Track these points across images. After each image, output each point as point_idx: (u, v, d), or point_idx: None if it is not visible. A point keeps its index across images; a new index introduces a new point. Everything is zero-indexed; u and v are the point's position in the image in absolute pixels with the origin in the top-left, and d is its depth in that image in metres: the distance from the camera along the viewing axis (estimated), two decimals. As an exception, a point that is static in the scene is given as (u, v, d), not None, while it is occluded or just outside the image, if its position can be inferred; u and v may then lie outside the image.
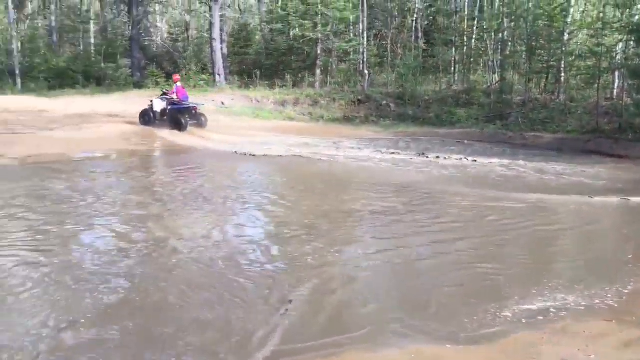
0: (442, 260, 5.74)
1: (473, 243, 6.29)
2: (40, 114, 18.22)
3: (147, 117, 16.57)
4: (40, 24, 33.09)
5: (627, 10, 18.75)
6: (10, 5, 27.50)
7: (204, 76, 26.31)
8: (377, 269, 5.50)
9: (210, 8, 25.91)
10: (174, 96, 16.50)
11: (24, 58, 27.42)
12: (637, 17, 18.70)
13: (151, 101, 16.86)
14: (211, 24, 26.09)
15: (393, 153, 13.76)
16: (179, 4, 33.66)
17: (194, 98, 18.25)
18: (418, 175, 10.81)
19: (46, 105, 19.90)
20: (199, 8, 32.60)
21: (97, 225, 6.68)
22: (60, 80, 26.59)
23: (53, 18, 31.70)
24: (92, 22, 31.83)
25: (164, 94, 16.98)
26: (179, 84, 16.90)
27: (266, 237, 6.49)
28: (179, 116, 16.14)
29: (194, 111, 16.70)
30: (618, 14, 19.16)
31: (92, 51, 30.36)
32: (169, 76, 26.44)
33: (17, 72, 26.10)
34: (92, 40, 31.29)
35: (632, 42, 18.53)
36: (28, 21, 32.17)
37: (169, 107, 16.40)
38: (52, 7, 32.19)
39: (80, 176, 9.71)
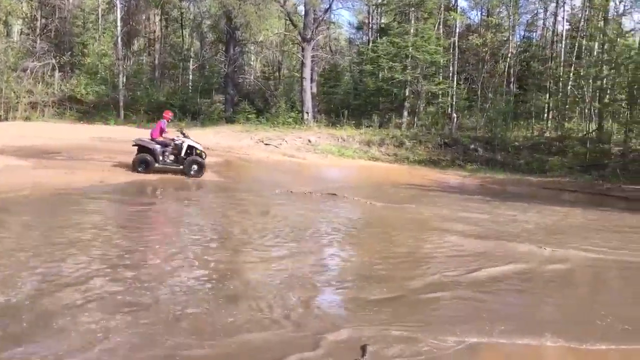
0: None
1: None
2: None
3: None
4: (144, 61, 35.45)
5: None
6: (119, 43, 29.81)
7: (292, 114, 26.93)
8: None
9: (303, 49, 26.70)
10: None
11: (127, 91, 29.36)
12: None
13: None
14: (302, 64, 26.86)
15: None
16: (272, 44, 34.97)
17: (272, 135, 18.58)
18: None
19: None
20: (292, 48, 33.75)
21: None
22: (158, 113, 28.10)
23: (156, 55, 33.96)
24: (191, 59, 33.72)
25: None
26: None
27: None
28: None
29: None
30: None
31: (190, 87, 32.10)
32: (259, 112, 27.44)
33: (121, 104, 28.03)
34: (190, 77, 33.11)
35: None
36: (133, 58, 34.52)
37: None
38: (157, 45, 34.47)
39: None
